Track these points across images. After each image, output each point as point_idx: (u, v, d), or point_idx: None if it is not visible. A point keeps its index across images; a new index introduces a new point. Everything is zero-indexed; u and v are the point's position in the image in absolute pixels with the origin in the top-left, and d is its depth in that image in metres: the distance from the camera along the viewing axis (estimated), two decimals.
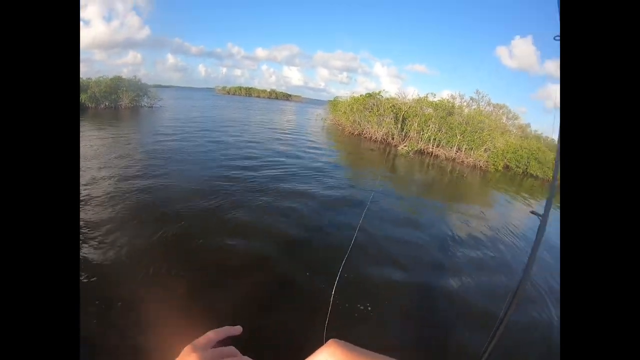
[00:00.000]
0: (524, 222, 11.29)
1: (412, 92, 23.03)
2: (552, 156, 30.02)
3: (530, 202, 16.62)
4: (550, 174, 29.14)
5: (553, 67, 70.91)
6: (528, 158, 28.30)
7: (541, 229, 2.34)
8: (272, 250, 5.83)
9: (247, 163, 12.04)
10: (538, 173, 28.96)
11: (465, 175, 17.11)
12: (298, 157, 14.58)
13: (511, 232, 9.61)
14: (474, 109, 26.42)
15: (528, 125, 38.83)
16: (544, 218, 2.35)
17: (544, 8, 77.04)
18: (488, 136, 20.63)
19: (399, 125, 20.81)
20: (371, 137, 21.58)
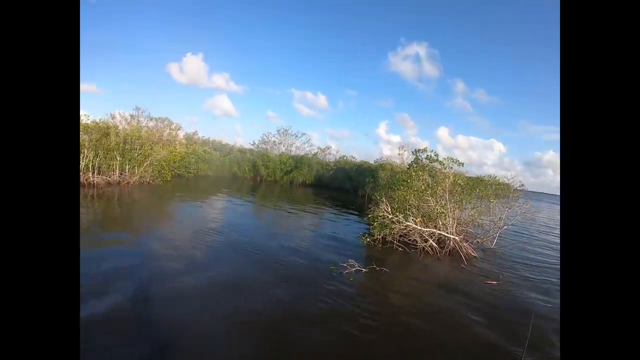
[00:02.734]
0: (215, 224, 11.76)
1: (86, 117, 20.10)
2: (217, 155, 33.76)
3: (211, 198, 18.03)
4: (220, 170, 32.80)
5: (219, 80, 76.77)
6: (196, 162, 30.68)
7: None
8: None
9: None
10: (209, 173, 31.95)
11: (135, 196, 16.57)
12: None
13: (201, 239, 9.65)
14: (135, 125, 26.16)
15: (196, 132, 42.10)
16: None
17: (215, 26, 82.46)
18: (150, 150, 20.89)
19: None
20: None
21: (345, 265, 8.21)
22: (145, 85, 77.44)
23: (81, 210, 12.92)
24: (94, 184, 18.23)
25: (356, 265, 8.22)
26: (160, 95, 77.10)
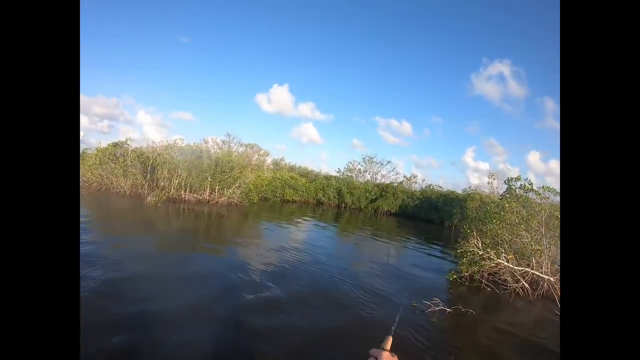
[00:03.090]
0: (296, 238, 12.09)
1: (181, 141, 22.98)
2: (303, 181, 34.44)
3: (295, 221, 18.34)
4: (305, 196, 33.35)
5: (304, 109, 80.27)
6: (282, 187, 31.62)
7: None
8: None
9: None
10: (294, 198, 32.64)
11: (223, 215, 17.50)
12: None
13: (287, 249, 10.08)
14: (225, 150, 27.88)
15: (283, 158, 43.76)
16: None
17: (302, 62, 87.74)
18: (239, 174, 21.97)
19: (148, 175, 20.03)
20: (119, 191, 19.93)
21: (429, 303, 7.49)
22: (237, 115, 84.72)
23: (174, 222, 14.01)
24: (185, 200, 19.65)
25: (440, 305, 7.44)
26: (250, 124, 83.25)
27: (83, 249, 8.36)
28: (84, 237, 9.51)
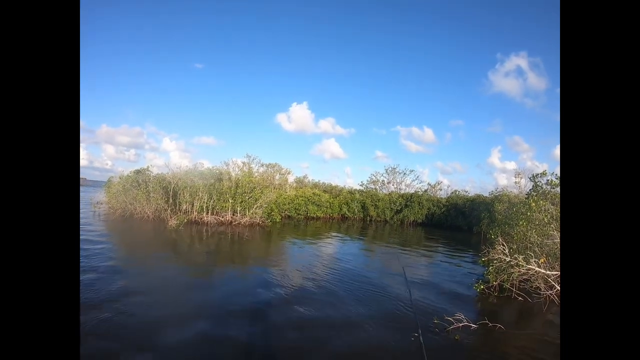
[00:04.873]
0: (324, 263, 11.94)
1: (201, 165, 23.41)
2: (326, 197, 33.93)
3: (313, 242, 17.71)
4: (330, 212, 32.85)
5: (325, 125, 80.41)
6: (306, 204, 31.23)
7: None
8: None
9: None
10: (318, 214, 32.15)
11: (245, 235, 17.24)
12: None
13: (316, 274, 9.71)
14: (246, 171, 27.92)
15: (306, 176, 43.33)
16: None
17: (319, 79, 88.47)
18: (260, 194, 21.80)
19: (170, 200, 20.25)
20: (142, 216, 20.25)
21: (451, 319, 6.73)
22: (259, 136, 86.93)
23: (196, 244, 13.96)
24: (207, 222, 19.61)
25: (464, 320, 6.69)
26: (273, 144, 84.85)
27: (108, 273, 8.49)
28: (108, 261, 9.69)
